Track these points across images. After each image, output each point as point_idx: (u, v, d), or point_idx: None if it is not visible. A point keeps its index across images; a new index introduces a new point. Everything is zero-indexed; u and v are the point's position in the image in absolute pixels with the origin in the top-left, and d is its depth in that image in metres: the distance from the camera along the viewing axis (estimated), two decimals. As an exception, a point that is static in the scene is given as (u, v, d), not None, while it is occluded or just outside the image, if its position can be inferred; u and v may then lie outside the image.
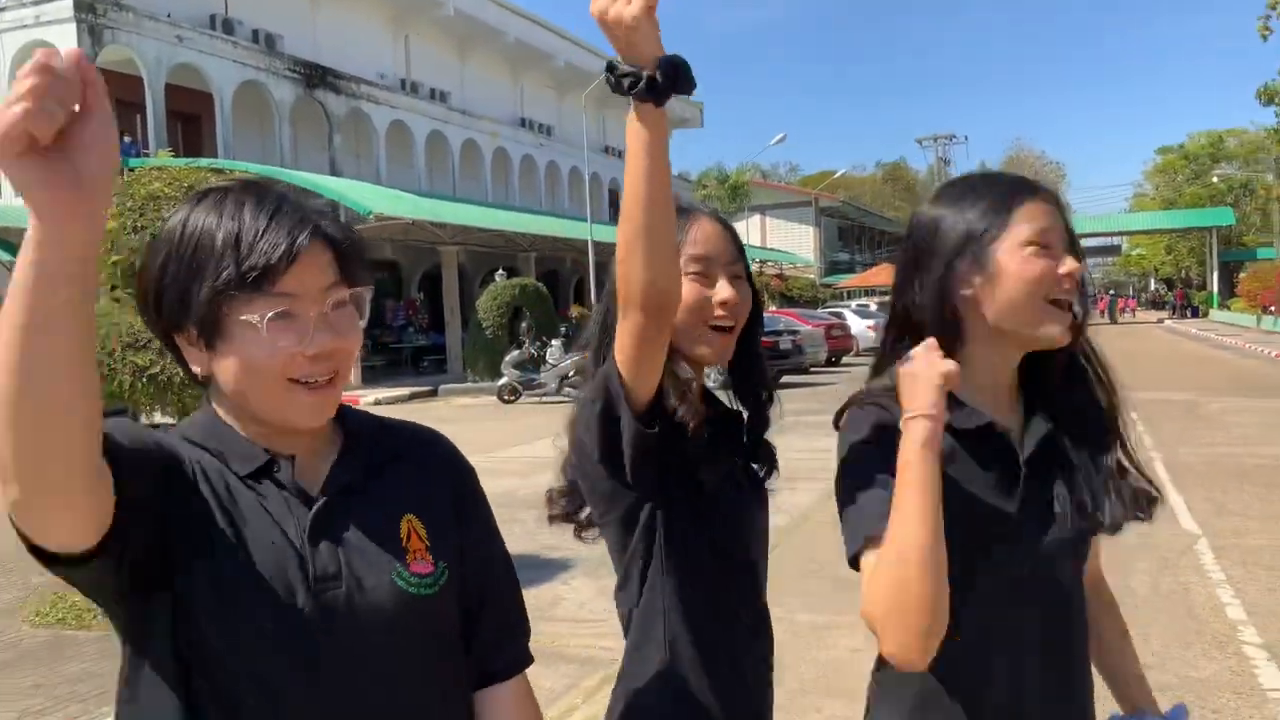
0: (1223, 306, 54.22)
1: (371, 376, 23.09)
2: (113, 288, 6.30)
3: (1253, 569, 6.10)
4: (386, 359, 26.43)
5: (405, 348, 27.93)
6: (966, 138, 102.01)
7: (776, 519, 8.87)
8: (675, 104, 51.73)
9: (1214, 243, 58.97)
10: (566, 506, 1.74)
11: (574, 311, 29.99)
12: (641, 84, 1.22)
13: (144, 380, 5.83)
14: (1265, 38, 16.42)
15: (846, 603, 5.47)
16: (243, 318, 1.10)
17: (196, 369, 1.16)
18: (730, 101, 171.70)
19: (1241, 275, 56.56)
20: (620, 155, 45.87)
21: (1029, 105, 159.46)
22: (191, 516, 1.11)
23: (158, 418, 6.65)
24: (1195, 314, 58.54)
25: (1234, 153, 75.65)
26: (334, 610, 1.15)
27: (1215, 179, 70.14)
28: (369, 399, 19.48)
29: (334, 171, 25.74)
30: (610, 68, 1.25)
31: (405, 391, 21.48)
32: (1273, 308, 43.97)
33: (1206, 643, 4.86)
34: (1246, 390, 16.80)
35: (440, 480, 1.31)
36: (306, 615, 1.13)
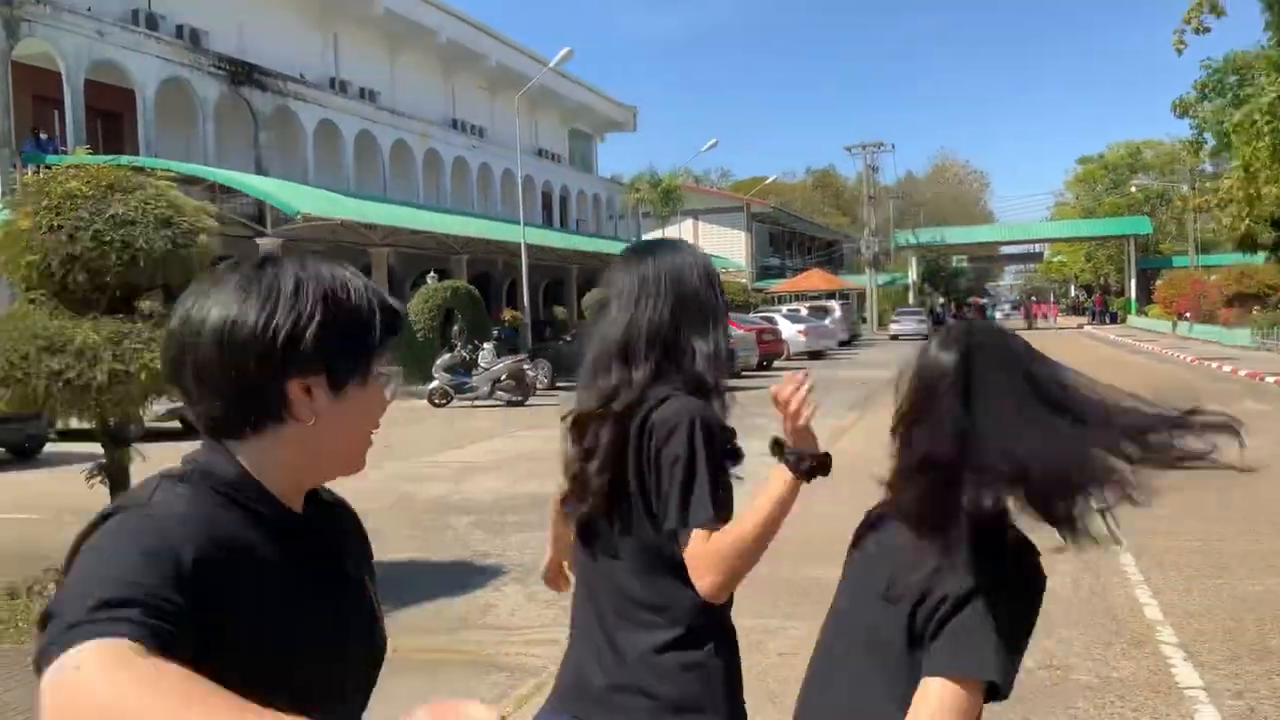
0: (1140, 313, 55.83)
1: (299, 380, 22.65)
2: (28, 289, 6.11)
3: (1169, 570, 6.27)
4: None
5: (334, 350, 27.46)
6: (894, 146, 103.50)
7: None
8: (610, 108, 51.32)
9: (1132, 251, 60.67)
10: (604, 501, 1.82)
11: (506, 315, 29.84)
12: (811, 468, 1.69)
13: (60, 385, 5.64)
14: (1180, 51, 16.94)
15: (773, 608, 5.51)
16: (381, 370, 1.21)
17: (307, 418, 1.14)
18: (662, 105, 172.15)
19: (1158, 283, 58.38)
20: (553, 158, 45.89)
21: (955, 114, 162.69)
22: (223, 606, 1.04)
23: (74, 423, 6.44)
24: (1114, 320, 60.18)
25: (1151, 164, 77.92)
26: (350, 670, 1.22)
27: (1133, 189, 72.14)
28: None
29: (260, 170, 25.27)
30: (779, 446, 1.72)
31: (334, 395, 21.11)
32: (1187, 314, 45.40)
33: (1126, 642, 4.98)
34: (1163, 394, 17.27)
35: (362, 541, 1.38)
36: (333, 677, 1.18)
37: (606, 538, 1.80)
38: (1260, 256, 34.71)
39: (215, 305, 1.11)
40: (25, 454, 13.17)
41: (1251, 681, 4.42)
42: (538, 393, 20.11)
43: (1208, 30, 16.42)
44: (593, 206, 48.49)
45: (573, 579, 1.93)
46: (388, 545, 6.83)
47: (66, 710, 0.82)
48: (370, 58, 33.18)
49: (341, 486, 1.30)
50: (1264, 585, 5.92)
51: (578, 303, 38.23)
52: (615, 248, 43.45)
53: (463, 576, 6.46)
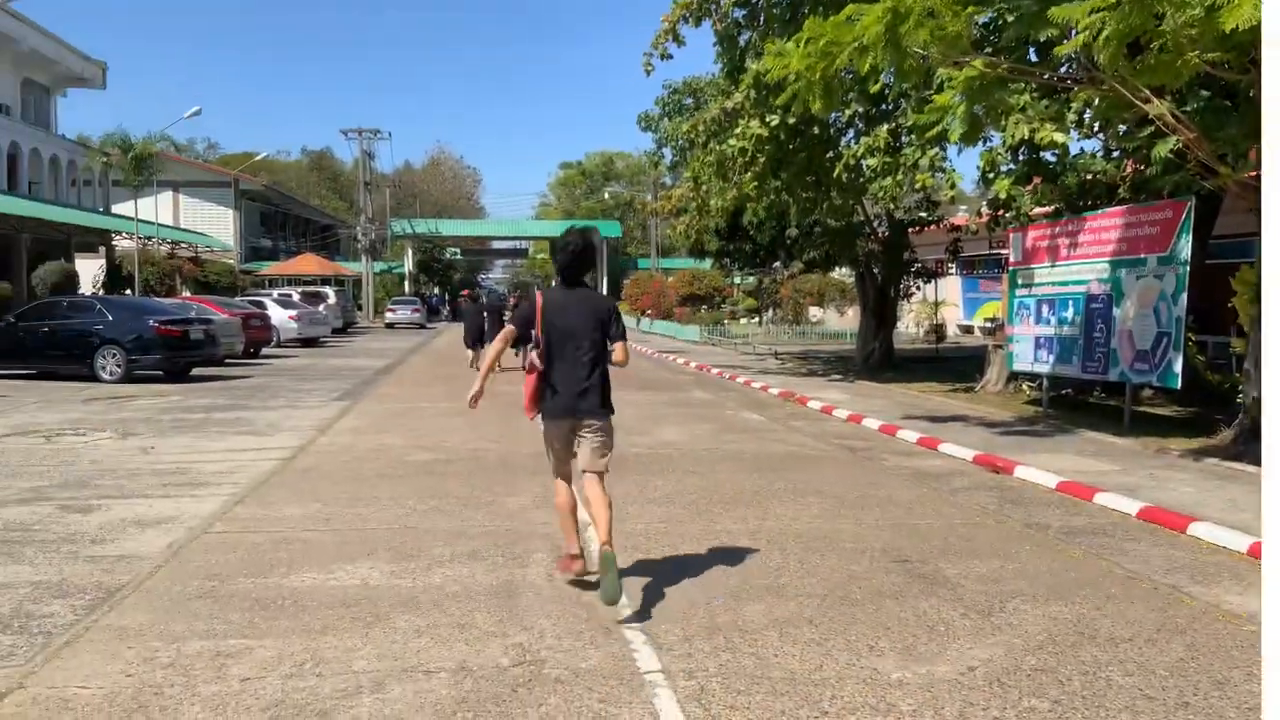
0: (612, 309, 61.00)
1: None
2: None
3: (632, 553, 6.73)
4: None
5: None
6: (390, 134, 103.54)
7: (170, 533, 8.11)
8: (74, 60, 45.44)
9: (604, 251, 66.24)
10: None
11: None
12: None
13: None
14: (649, 73, 18.64)
15: (246, 627, 5.14)
16: None
17: None
18: (141, 68, 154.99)
19: (625, 281, 64.39)
20: (3, 110, 39.59)
21: (445, 113, 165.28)
22: None
23: None
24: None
25: (622, 173, 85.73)
26: None
27: (606, 195, 78.69)
28: None
29: None
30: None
31: None
32: (649, 311, 50.75)
33: (595, 631, 5.22)
34: (626, 384, 18.90)
35: None
36: None
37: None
38: (708, 262, 39.32)
39: None
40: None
41: (702, 660, 4.83)
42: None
43: (670, 57, 18.18)
44: (50, 169, 42.68)
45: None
46: None
47: None
48: None
49: None
50: (714, 563, 6.55)
51: (28, 276, 33.57)
52: (79, 216, 38.57)
53: None
